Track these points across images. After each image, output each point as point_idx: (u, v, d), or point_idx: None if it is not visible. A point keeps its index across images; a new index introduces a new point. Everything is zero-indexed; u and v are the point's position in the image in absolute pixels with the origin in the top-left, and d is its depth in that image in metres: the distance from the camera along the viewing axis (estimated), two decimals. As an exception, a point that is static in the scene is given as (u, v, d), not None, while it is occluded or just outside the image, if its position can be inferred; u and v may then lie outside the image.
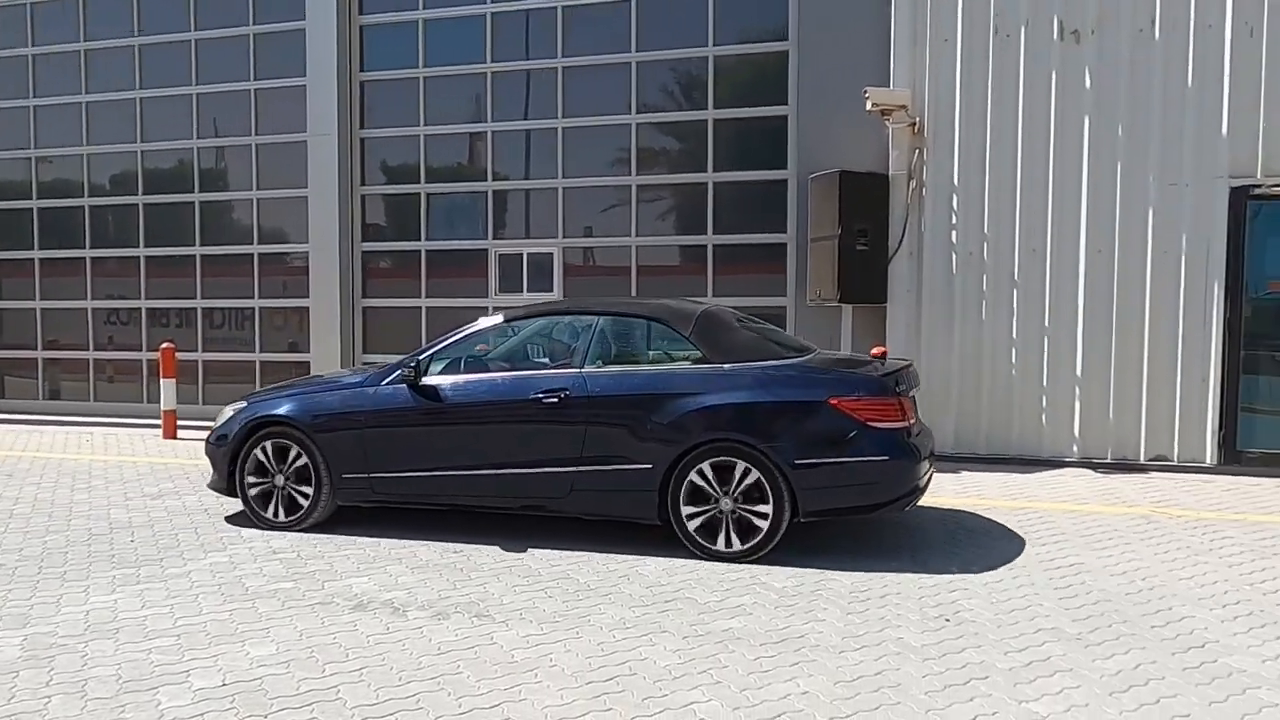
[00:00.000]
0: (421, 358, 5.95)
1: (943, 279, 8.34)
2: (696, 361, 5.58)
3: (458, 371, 5.94)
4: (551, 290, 9.86)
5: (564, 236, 9.89)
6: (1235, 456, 7.75)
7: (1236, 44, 7.69)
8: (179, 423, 10.03)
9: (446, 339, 6.09)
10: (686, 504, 5.38)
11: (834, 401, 5.28)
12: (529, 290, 9.92)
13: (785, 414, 5.31)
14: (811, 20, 8.89)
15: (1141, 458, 7.95)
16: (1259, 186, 7.68)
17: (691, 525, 5.37)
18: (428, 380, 5.85)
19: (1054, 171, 8.09)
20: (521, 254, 9.98)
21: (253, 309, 10.93)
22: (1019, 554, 5.46)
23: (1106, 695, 3.62)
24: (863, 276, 8.29)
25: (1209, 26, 7.76)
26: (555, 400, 5.58)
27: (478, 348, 6.16)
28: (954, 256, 8.33)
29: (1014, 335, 8.18)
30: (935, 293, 8.33)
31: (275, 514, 6.08)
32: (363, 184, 10.49)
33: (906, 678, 3.79)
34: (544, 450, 5.61)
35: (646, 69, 9.61)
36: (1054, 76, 8.08)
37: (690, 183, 9.59)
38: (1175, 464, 7.87)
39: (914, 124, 8.33)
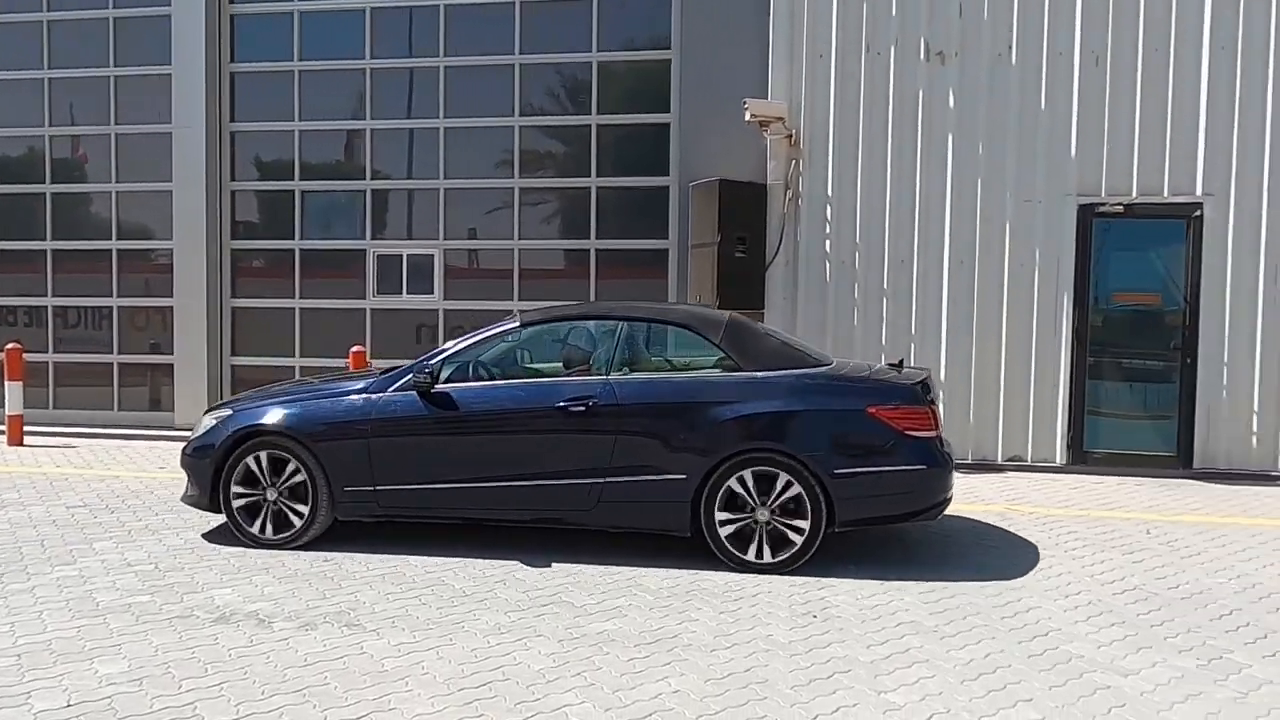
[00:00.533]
0: (433, 363, 5.58)
1: (817, 286, 8.62)
2: (726, 369, 5.45)
3: (472, 378, 5.63)
4: (431, 293, 9.71)
5: (445, 238, 9.75)
6: (1082, 456, 8.28)
7: (1084, 71, 8.24)
8: (26, 428, 9.39)
9: (459, 343, 5.72)
10: (721, 516, 5.23)
11: (872, 410, 5.23)
12: (408, 292, 9.74)
13: (823, 423, 5.23)
14: (694, 30, 9.05)
15: (999, 458, 8.41)
16: (1103, 205, 8.24)
17: (726, 537, 5.21)
18: (441, 387, 5.51)
19: (920, 186, 8.47)
20: (401, 255, 9.79)
21: (111, 308, 10.35)
22: (888, 551, 5.69)
23: (959, 684, 3.82)
24: (741, 283, 8.48)
25: (1060, 54, 8.29)
26: (582, 409, 5.33)
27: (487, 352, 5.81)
28: (828, 265, 8.62)
29: (883, 342, 8.52)
30: (810, 300, 8.60)
31: (264, 530, 5.61)
32: (233, 179, 10.08)
33: (774, 673, 3.90)
34: (569, 461, 5.36)
35: (531, 71, 9.59)
36: (921, 95, 8.47)
37: (574, 187, 9.61)
38: (1029, 464, 8.35)
39: (791, 135, 8.58)
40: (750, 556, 5.20)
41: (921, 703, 3.64)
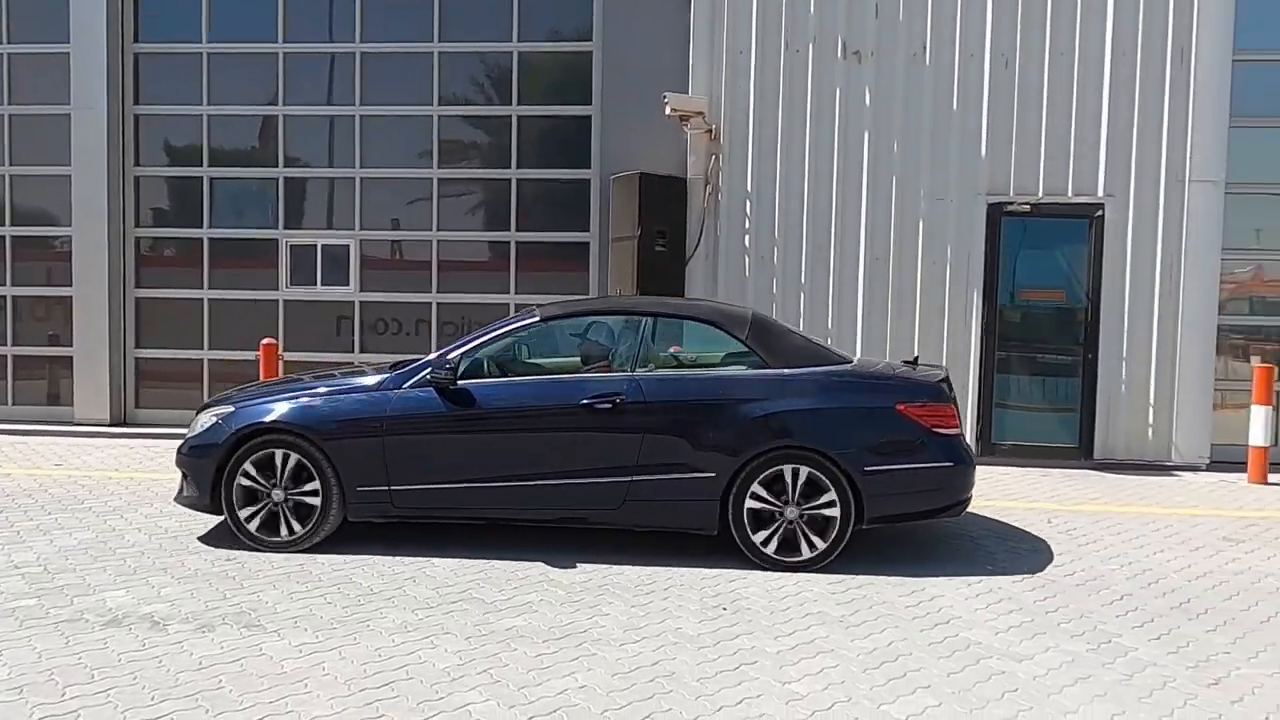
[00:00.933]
0: (452, 358, 5.41)
1: (737, 281, 8.68)
2: (753, 366, 5.41)
3: (489, 373, 5.50)
4: (347, 284, 9.49)
5: (362, 228, 9.54)
6: (990, 448, 8.52)
7: (994, 73, 8.46)
8: (-90, 424, 8.89)
9: (476, 338, 5.58)
10: (751, 515, 5.19)
11: (901, 407, 5.25)
12: (323, 284, 9.50)
13: (854, 420, 5.23)
14: (615, 22, 9.01)
15: (912, 450, 8.59)
16: (1011, 204, 8.48)
17: (756, 536, 5.19)
18: (460, 383, 5.35)
19: (838, 182, 8.60)
20: (316, 245, 9.54)
21: (4, 297, 9.85)
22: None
23: (861, 672, 3.89)
24: (661, 277, 8.49)
25: (971, 56, 8.50)
26: (609, 406, 5.24)
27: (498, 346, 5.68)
28: (747, 259, 8.69)
29: (801, 336, 8.62)
30: (730, 294, 8.66)
31: (273, 532, 5.41)
32: (137, 164, 9.68)
33: (682, 666, 3.91)
34: (596, 459, 5.26)
35: (450, 60, 9.43)
36: (839, 93, 8.59)
37: (494, 178, 9.49)
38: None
39: (711, 130, 8.62)
40: (783, 555, 5.18)
41: (824, 692, 3.70)
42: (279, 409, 5.45)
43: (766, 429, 5.19)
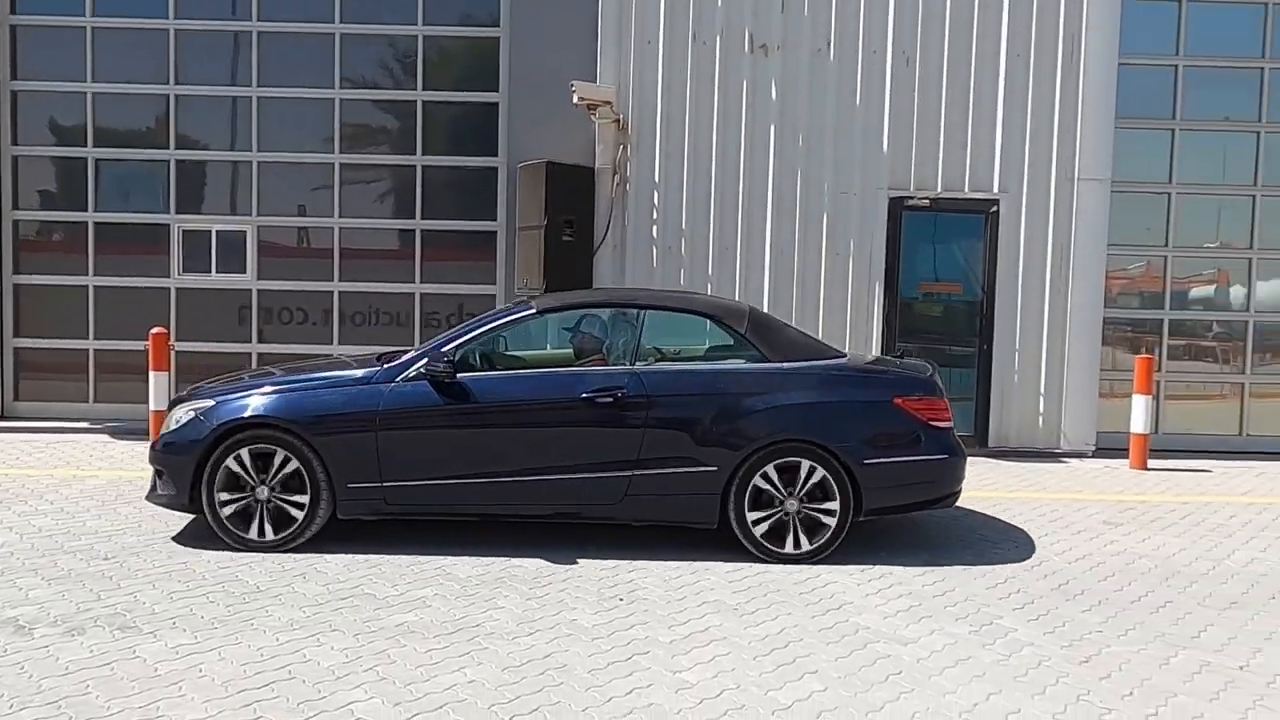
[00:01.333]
0: (446, 350, 5.28)
1: (644, 272, 8.68)
2: (751, 359, 5.42)
3: (483, 366, 5.41)
4: (244, 272, 9.16)
5: (259, 214, 9.21)
6: (891, 437, 8.70)
7: (895, 69, 8.63)
8: None
9: (470, 330, 5.45)
10: (751, 507, 5.19)
11: (898, 401, 5.33)
12: (218, 271, 9.15)
13: (853, 414, 5.29)
14: (523, 8, 8.89)
15: (816, 440, 8.74)
16: (912, 198, 8.68)
17: (757, 529, 5.20)
18: (458, 376, 5.22)
19: (744, 175, 8.67)
20: (210, 231, 9.18)
21: None
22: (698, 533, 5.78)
23: (752, 659, 3.93)
24: (569, 267, 8.43)
25: (874, 51, 8.65)
26: (610, 400, 5.18)
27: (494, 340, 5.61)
28: (655, 251, 8.70)
29: (708, 327, 8.67)
30: (637, 285, 8.65)
31: (259, 532, 5.17)
32: (14, 144, 9.15)
33: (574, 658, 3.89)
34: (596, 453, 5.20)
35: (353, 42, 9.17)
36: (746, 86, 8.65)
37: (398, 164, 9.28)
38: (843, 445, 8.72)
39: (619, 120, 8.59)
40: (784, 548, 5.22)
41: (714, 680, 3.72)
42: (264, 404, 5.24)
43: (769, 423, 5.23)
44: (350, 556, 5.14)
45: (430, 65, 9.20)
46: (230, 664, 3.75)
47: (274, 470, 5.17)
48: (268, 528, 5.19)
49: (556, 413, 5.25)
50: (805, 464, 5.21)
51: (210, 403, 5.30)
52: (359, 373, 5.40)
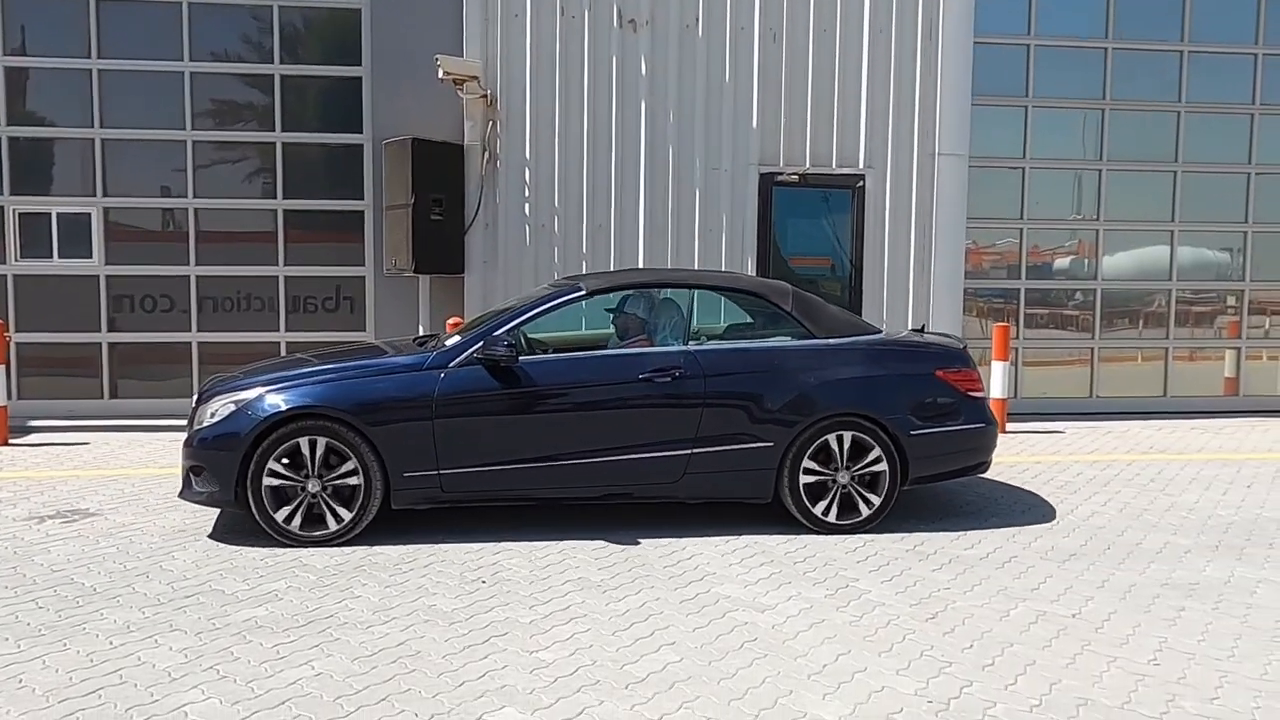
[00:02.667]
0: (499, 334, 5.16)
1: (516, 251, 8.56)
2: (798, 336, 5.52)
3: (532, 350, 5.40)
4: (90, 257, 8.61)
5: (105, 195, 8.66)
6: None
7: (763, 46, 8.72)
8: None
9: (521, 314, 5.38)
10: (805, 480, 5.31)
11: (940, 373, 5.53)
12: (60, 256, 8.58)
13: (900, 386, 5.45)
14: (384, -20, 8.59)
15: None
16: (781, 174, 8.81)
17: (813, 503, 5.32)
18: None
19: (616, 151, 8.62)
20: (50, 214, 8.59)
21: None
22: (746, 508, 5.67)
23: (610, 634, 3.92)
24: (438, 247, 8.25)
25: (742, 28, 8.71)
26: (667, 379, 5.19)
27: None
28: (528, 229, 8.59)
29: (584, 305, 8.62)
30: (510, 264, 8.53)
31: (309, 526, 5.00)
32: None
33: (429, 644, 3.81)
34: (655, 433, 5.22)
35: (201, 12, 8.68)
36: (615, 62, 8.59)
37: (256, 141, 8.86)
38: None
39: (487, 95, 8.41)
40: (836, 519, 5.36)
41: (571, 657, 3.70)
42: (314, 392, 5.04)
43: (822, 397, 5.35)
44: (201, 554, 4.91)
45: (288, 38, 8.81)
46: (55, 672, 3.51)
47: (325, 461, 5.00)
48: (330, 520, 5.04)
49: (615, 393, 5.27)
50: (857, 436, 5.38)
51: (252, 394, 5.07)
52: (408, 358, 5.28)
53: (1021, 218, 9.55)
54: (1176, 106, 9.59)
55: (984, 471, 5.85)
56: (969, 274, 9.34)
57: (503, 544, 5.11)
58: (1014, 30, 9.36)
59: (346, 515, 5.04)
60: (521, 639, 3.87)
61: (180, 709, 3.26)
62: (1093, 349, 9.73)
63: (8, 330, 8.04)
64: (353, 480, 5.03)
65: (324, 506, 5.04)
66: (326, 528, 5.03)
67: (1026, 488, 6.50)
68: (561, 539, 5.20)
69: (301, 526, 5.02)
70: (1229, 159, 9.72)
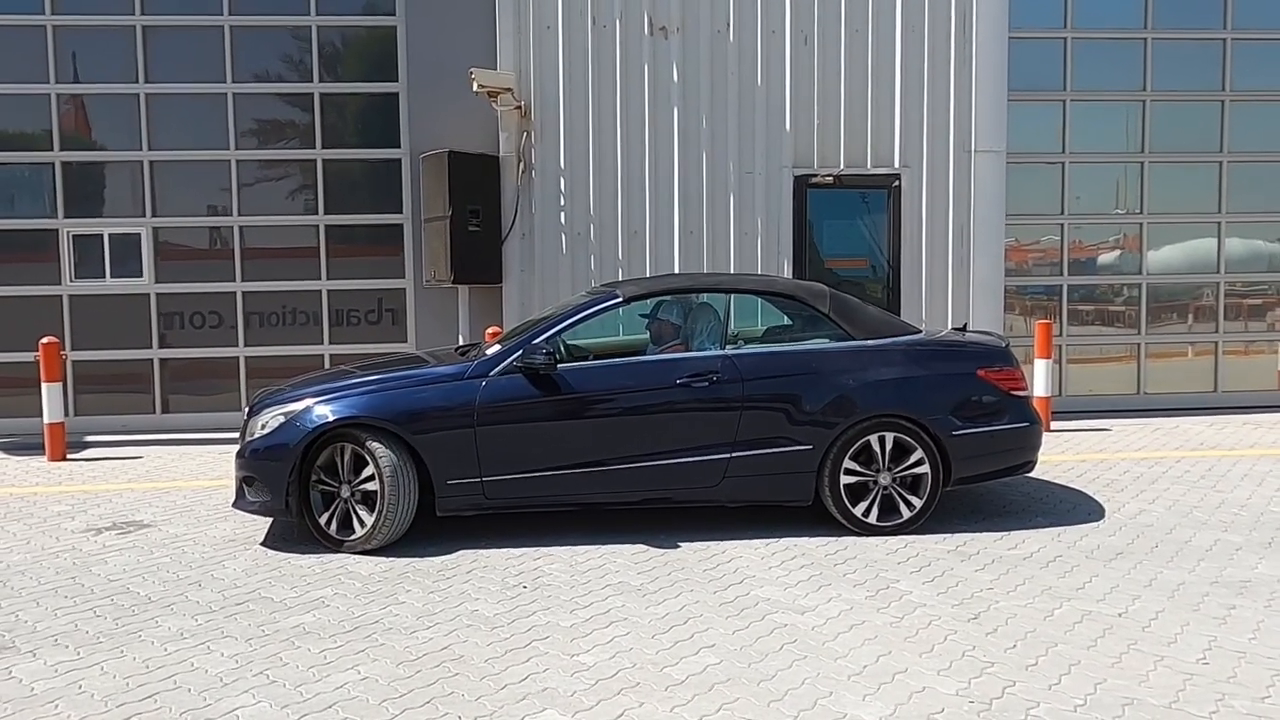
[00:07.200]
0: (540, 342, 5.27)
1: (553, 259, 8.64)
2: (836, 338, 5.50)
3: (570, 357, 5.44)
4: (141, 276, 8.86)
5: (154, 215, 8.91)
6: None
7: (795, 49, 8.72)
8: None
9: (560, 322, 5.46)
10: (846, 481, 5.31)
11: (981, 373, 5.48)
12: (113, 276, 8.83)
13: (941, 387, 5.41)
14: (419, -4, 8.74)
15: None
16: (815, 176, 8.79)
17: (854, 504, 5.31)
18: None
19: (650, 158, 8.67)
20: (102, 235, 8.85)
21: None
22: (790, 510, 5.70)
23: (650, 638, 3.95)
24: (476, 257, 8.36)
25: (773, 32, 8.72)
26: (705, 384, 5.23)
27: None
28: (564, 237, 8.66)
29: (621, 312, 8.68)
30: (547, 272, 8.62)
31: (353, 531, 5.15)
32: (-116, 150, 8.71)
33: (471, 649, 3.86)
34: (695, 437, 5.25)
35: (244, 35, 8.90)
36: (646, 69, 8.65)
37: (298, 159, 9.05)
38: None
39: (521, 107, 8.51)
40: (877, 520, 5.33)
41: (611, 660, 3.73)
42: (361, 403, 5.16)
43: (861, 399, 5.33)
44: (250, 562, 5.03)
45: (326, 56, 9.00)
46: (113, 678, 3.63)
47: (362, 468, 5.13)
48: (354, 525, 5.17)
49: (653, 398, 5.30)
50: (898, 437, 5.34)
51: (300, 406, 5.21)
52: (450, 368, 5.36)
53: (1062, 213, 9.41)
54: (1220, 95, 9.39)
55: (1029, 471, 5.77)
56: (1010, 271, 9.23)
57: (543, 549, 5.16)
58: (1050, 24, 9.24)
59: (368, 519, 5.14)
60: (562, 642, 3.92)
61: (232, 713, 3.35)
62: (1139, 345, 9.55)
63: (64, 349, 8.30)
64: (370, 486, 5.12)
65: (351, 511, 5.17)
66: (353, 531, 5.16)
67: (1072, 486, 6.41)
68: (602, 543, 5.24)
69: (342, 532, 5.17)
70: (1278, 147, 9.49)
